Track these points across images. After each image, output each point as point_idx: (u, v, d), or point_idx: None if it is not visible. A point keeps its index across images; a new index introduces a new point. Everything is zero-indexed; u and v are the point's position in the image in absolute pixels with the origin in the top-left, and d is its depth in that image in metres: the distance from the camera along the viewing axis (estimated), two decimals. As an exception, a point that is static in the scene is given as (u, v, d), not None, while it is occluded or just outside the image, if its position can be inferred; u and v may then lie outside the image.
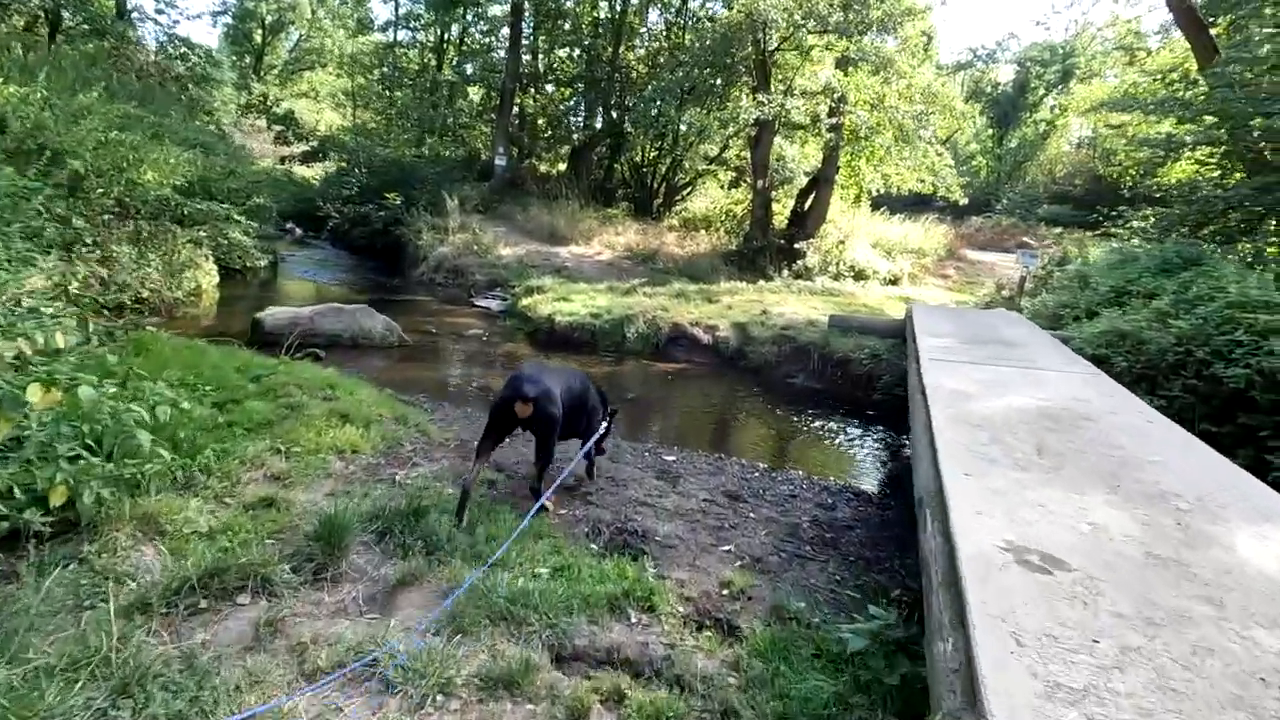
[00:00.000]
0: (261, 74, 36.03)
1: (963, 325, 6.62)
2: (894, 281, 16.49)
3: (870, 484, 5.43)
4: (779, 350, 8.63)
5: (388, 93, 25.60)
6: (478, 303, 11.54)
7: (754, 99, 14.18)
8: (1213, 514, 2.29)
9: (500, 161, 21.64)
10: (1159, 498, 2.39)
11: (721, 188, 22.77)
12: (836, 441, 6.53)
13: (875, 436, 6.76)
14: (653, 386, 7.74)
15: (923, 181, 16.98)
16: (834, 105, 14.93)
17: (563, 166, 24.78)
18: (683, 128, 14.12)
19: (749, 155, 17.19)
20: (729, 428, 6.71)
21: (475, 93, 23.39)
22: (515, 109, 24.33)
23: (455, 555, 2.67)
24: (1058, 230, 25.18)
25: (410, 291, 13.07)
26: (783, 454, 6.08)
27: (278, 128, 18.71)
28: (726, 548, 3.48)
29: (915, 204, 24.38)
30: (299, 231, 23.67)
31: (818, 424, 6.92)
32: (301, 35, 39.10)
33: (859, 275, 15.78)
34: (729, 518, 3.95)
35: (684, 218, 20.61)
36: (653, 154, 21.90)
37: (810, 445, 6.40)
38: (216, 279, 10.55)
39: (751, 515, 4.05)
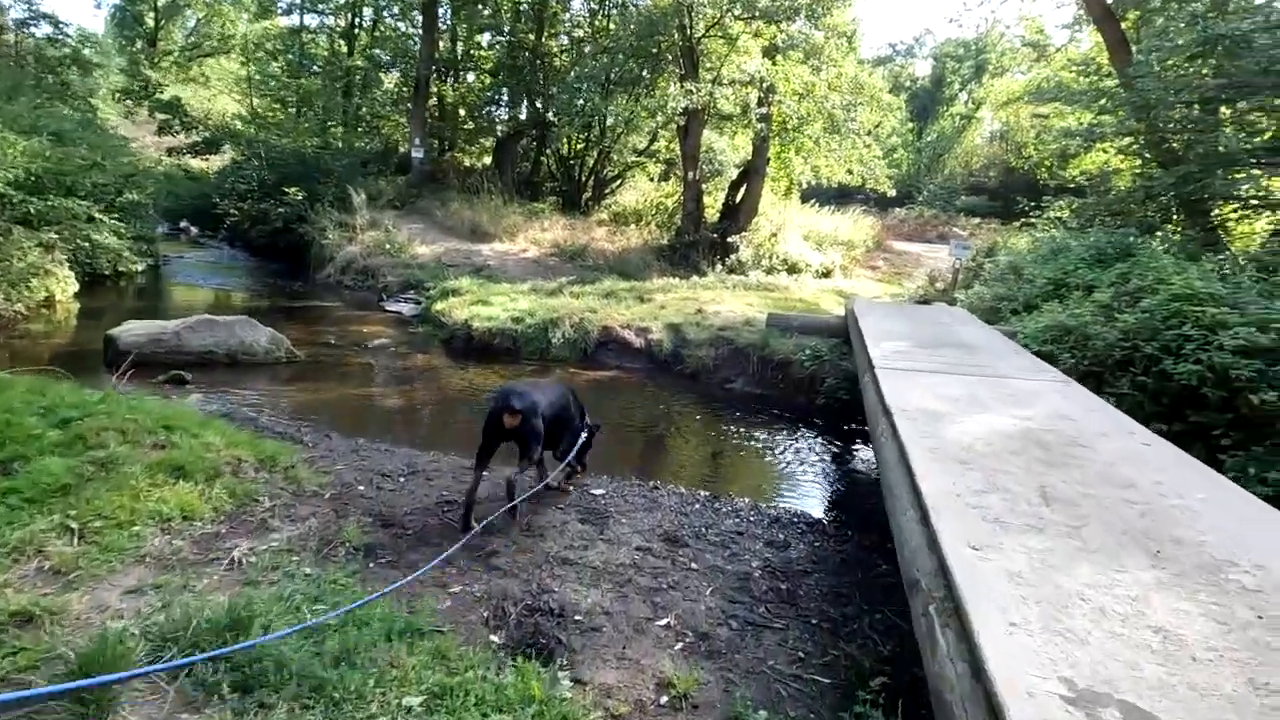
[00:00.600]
0: (155, 60, 33.00)
1: (912, 325, 6.18)
2: (826, 274, 16.30)
3: (821, 507, 4.89)
4: (716, 353, 8.05)
5: (293, 80, 23.73)
6: (389, 307, 10.51)
7: (682, 88, 13.59)
8: (1284, 589, 1.77)
9: (417, 154, 20.36)
10: (1213, 569, 1.86)
11: (652, 180, 22.17)
12: (781, 454, 5.99)
13: (821, 445, 6.26)
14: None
15: (851, 173, 16.84)
16: (763, 95, 14.52)
17: (488, 160, 23.66)
18: (609, 119, 13.40)
19: (679, 146, 16.64)
20: (664, 445, 6.07)
21: (390, 81, 21.93)
22: (434, 98, 23.03)
23: (282, 699, 1.88)
24: (976, 221, 25.83)
25: (315, 296, 11.86)
26: (725, 475, 5.47)
27: (161, 116, 16.87)
28: (664, 621, 2.81)
29: (841, 196, 24.48)
30: (194, 231, 21.72)
31: (760, 434, 6.37)
32: (199, 19, 36.07)
33: (792, 269, 15.48)
34: (667, 572, 3.29)
35: (614, 212, 19.90)
36: (580, 146, 21.08)
37: (754, 461, 5.83)
38: (74, 287, 9.16)
39: (694, 565, 3.40)
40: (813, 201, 20.21)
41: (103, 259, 10.40)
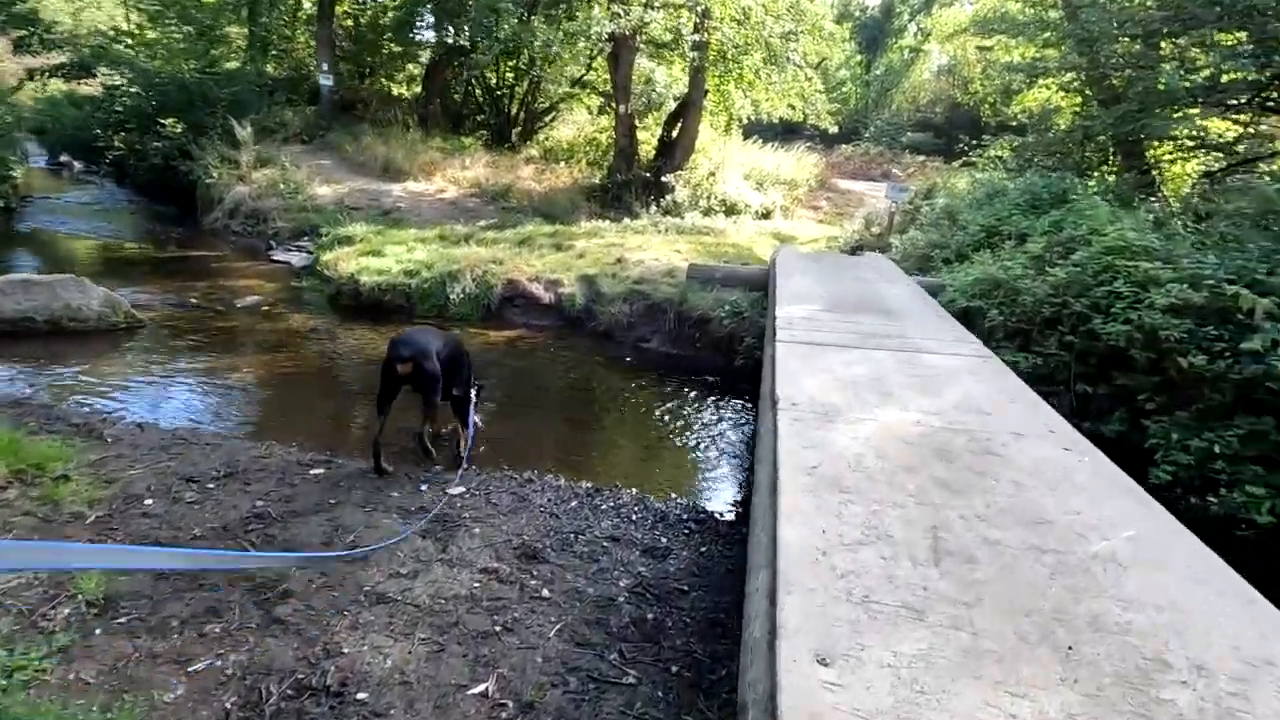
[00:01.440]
0: None
1: (833, 281, 5.62)
2: (766, 215, 15.70)
3: (720, 495, 4.39)
4: (631, 309, 7.40)
5: None
6: (276, 257, 9.44)
7: (607, 9, 12.40)
8: None
9: (325, 81, 18.57)
10: (1139, 678, 1.36)
11: (590, 113, 20.87)
12: (690, 425, 5.46)
13: (734, 413, 5.75)
14: (475, 364, 6.31)
15: (793, 108, 16.01)
16: (698, 20, 13.43)
17: (418, 89, 21.91)
18: (534, 44, 12.16)
19: (610, 77, 15.48)
20: (559, 418, 5.44)
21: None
22: (349, 19, 21.03)
23: None
24: (921, 158, 25.43)
25: (198, 244, 10.62)
26: (620, 456, 4.91)
27: (17, 33, 14.69)
28: (481, 688, 2.25)
29: (786, 133, 23.63)
30: (78, 166, 19.64)
31: (671, 403, 5.82)
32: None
33: (730, 210, 14.81)
34: (510, 605, 2.72)
35: (545, 148, 18.70)
36: (510, 76, 19.55)
37: (657, 436, 5.28)
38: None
39: (546, 592, 2.85)
40: (755, 138, 19.34)
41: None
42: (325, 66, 18.55)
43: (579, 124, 20.17)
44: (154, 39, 15.16)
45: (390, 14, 19.97)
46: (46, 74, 15.44)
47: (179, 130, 12.77)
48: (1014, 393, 3.16)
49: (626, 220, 13.16)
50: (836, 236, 12.69)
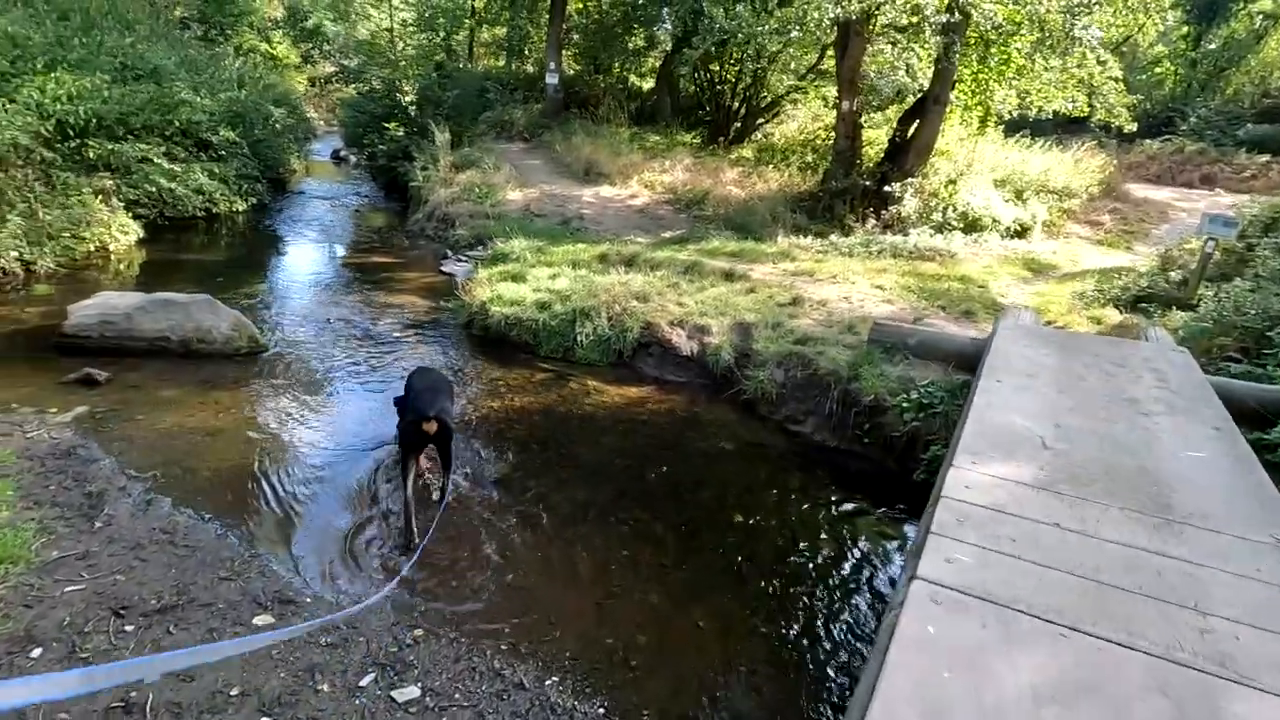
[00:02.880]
0: None
1: (1074, 403, 3.55)
2: (1021, 233, 12.66)
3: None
4: (785, 376, 5.79)
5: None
6: (445, 268, 9.30)
7: (832, -10, 10.47)
8: None
9: (551, 79, 18.90)
10: None
11: (826, 104, 18.81)
12: (814, 576, 3.84)
13: (886, 562, 4.00)
14: (571, 430, 5.25)
15: (1074, 102, 12.57)
16: (951, -2, 10.89)
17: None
18: (737, 34, 10.70)
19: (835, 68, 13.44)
20: (638, 530, 4.12)
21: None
22: (580, 13, 21.25)
23: None
24: (1264, 158, 19.27)
25: (395, 248, 10.99)
26: (693, 625, 3.47)
27: (304, 46, 16.94)
28: None
29: (1066, 126, 19.27)
30: (352, 160, 22.35)
31: (799, 529, 4.22)
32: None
33: (971, 225, 12.11)
34: None
35: (760, 148, 17.18)
36: (734, 68, 18.27)
37: (759, 586, 3.73)
38: (136, 235, 8.93)
39: None
40: (1023, 134, 15.84)
41: (188, 202, 10.24)
42: (553, 65, 18.85)
43: (804, 121, 18.27)
44: (395, 46, 16.42)
45: (620, 8, 19.72)
46: (325, 81, 17.66)
47: (401, 132, 13.49)
48: None
49: (834, 237, 11.30)
50: (1118, 271, 9.53)
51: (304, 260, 9.66)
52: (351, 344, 6.47)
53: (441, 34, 15.84)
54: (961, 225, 12.09)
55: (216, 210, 11.02)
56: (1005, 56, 12.27)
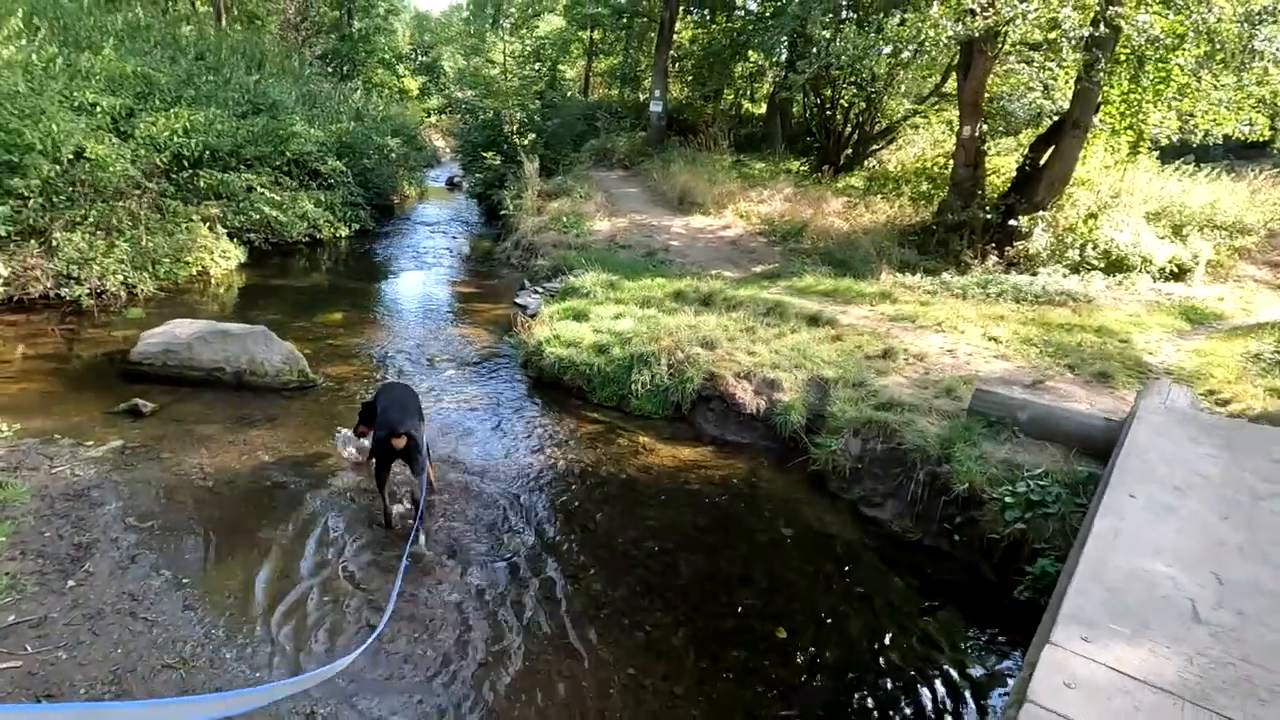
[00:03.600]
0: (499, 26, 35.62)
1: (1244, 545, 2.56)
2: (1178, 275, 10.93)
3: None
4: (863, 447, 4.94)
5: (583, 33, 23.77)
6: (519, 300, 9.06)
7: (954, 7, 9.43)
8: None
9: (655, 107, 18.73)
10: None
11: (950, 129, 17.44)
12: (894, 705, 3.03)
13: (993, 697, 3.11)
14: (608, 499, 4.67)
15: (1251, 125, 10.68)
16: (1099, 7, 9.52)
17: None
18: (845, 56, 9.84)
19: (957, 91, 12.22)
20: (657, 649, 3.44)
21: (636, 26, 20.42)
22: (689, 39, 21.02)
23: None
24: None
25: (479, 277, 10.98)
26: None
27: (420, 78, 17.78)
28: None
29: (1241, 151, 16.71)
30: (465, 185, 23.25)
31: (866, 655, 3.40)
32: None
33: (1115, 265, 10.58)
34: None
35: (871, 177, 16.11)
36: (846, 91, 17.31)
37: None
38: (238, 260, 9.35)
39: None
40: (1184, 161, 13.81)
41: (293, 228, 10.70)
42: (658, 93, 18.68)
43: (924, 148, 16.99)
44: (503, 78, 16.81)
45: (728, 33, 19.30)
46: (440, 111, 18.45)
47: (498, 160, 13.64)
48: None
49: (946, 275, 10.15)
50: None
51: (387, 287, 9.77)
52: (413, 379, 6.25)
53: (547, 65, 16.03)
54: (1102, 265, 10.58)
55: (320, 236, 11.49)
56: (1164, 74, 10.67)
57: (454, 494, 4.51)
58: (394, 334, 7.61)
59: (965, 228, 11.54)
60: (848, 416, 5.11)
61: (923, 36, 9.09)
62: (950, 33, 9.27)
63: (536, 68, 16.19)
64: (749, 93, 24.44)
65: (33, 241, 6.98)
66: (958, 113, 12.30)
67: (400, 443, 3.88)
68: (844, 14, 10.89)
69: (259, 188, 9.39)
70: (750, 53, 17.30)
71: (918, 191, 13.51)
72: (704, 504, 4.71)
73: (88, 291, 7.27)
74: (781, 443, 5.40)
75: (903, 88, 15.93)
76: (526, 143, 15.14)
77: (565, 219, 11.59)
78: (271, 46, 14.77)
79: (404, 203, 18.06)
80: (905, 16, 9.38)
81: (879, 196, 13.82)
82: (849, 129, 17.66)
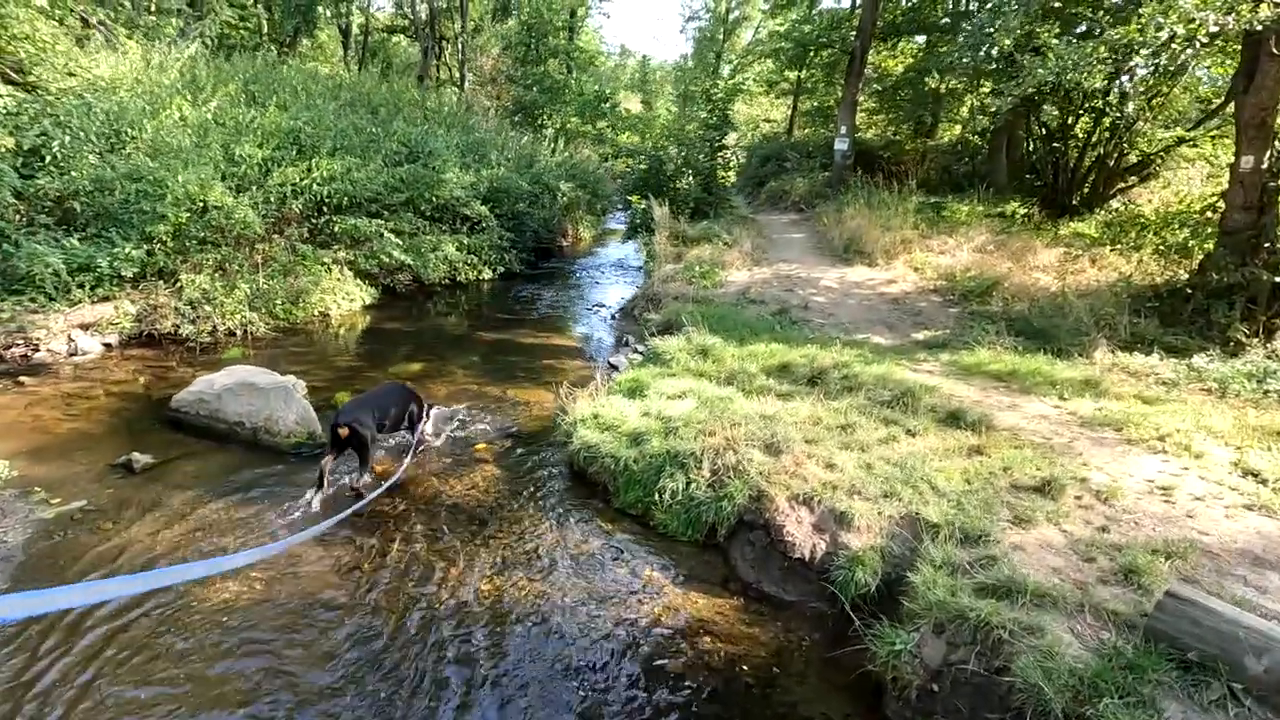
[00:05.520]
0: (717, 71, 36.08)
1: None
2: None
3: None
4: (945, 658, 3.09)
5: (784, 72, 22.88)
6: (612, 359, 8.09)
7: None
8: None
9: (840, 145, 17.00)
10: None
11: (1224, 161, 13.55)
12: None
13: None
14: (579, 675, 3.39)
15: None
16: None
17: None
18: (1041, 70, 7.42)
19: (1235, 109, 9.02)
20: None
21: (826, 57, 18.80)
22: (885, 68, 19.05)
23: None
24: None
25: (605, 325, 10.26)
26: None
27: (600, 124, 17.96)
28: None
29: None
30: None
31: None
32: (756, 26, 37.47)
33: None
34: None
35: (1113, 219, 12.88)
36: (1086, 120, 14.15)
37: None
38: (363, 302, 9.58)
39: None
40: None
41: (432, 271, 10.90)
42: (844, 129, 16.94)
43: (1186, 185, 13.28)
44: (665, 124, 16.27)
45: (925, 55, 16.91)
46: (612, 157, 18.55)
47: (642, 205, 12.98)
48: None
49: (1200, 359, 7.45)
50: None
51: (494, 335, 9.35)
52: (420, 456, 5.53)
53: (718, 106, 15.16)
54: None
55: (460, 278, 11.64)
56: None
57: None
58: (457, 388, 7.03)
59: (1238, 292, 8.43)
60: (933, 597, 3.28)
61: (1161, 39, 6.56)
62: (1214, 25, 6.65)
63: (707, 110, 15.39)
64: (973, 125, 21.48)
65: (161, 282, 7.54)
66: (1234, 137, 9.09)
67: (343, 432, 4.43)
68: (1043, 21, 8.46)
69: (387, 233, 9.60)
70: (940, 75, 14.94)
71: (1172, 241, 10.24)
72: (695, 696, 3.22)
73: (209, 329, 7.71)
74: (840, 610, 3.69)
75: (1159, 112, 12.51)
76: (685, 185, 14.35)
77: (698, 268, 10.46)
78: (452, 98, 15.74)
79: (577, 244, 18.24)
80: (1144, 10, 6.88)
81: (1112, 248, 10.76)
82: (1086, 163, 14.36)
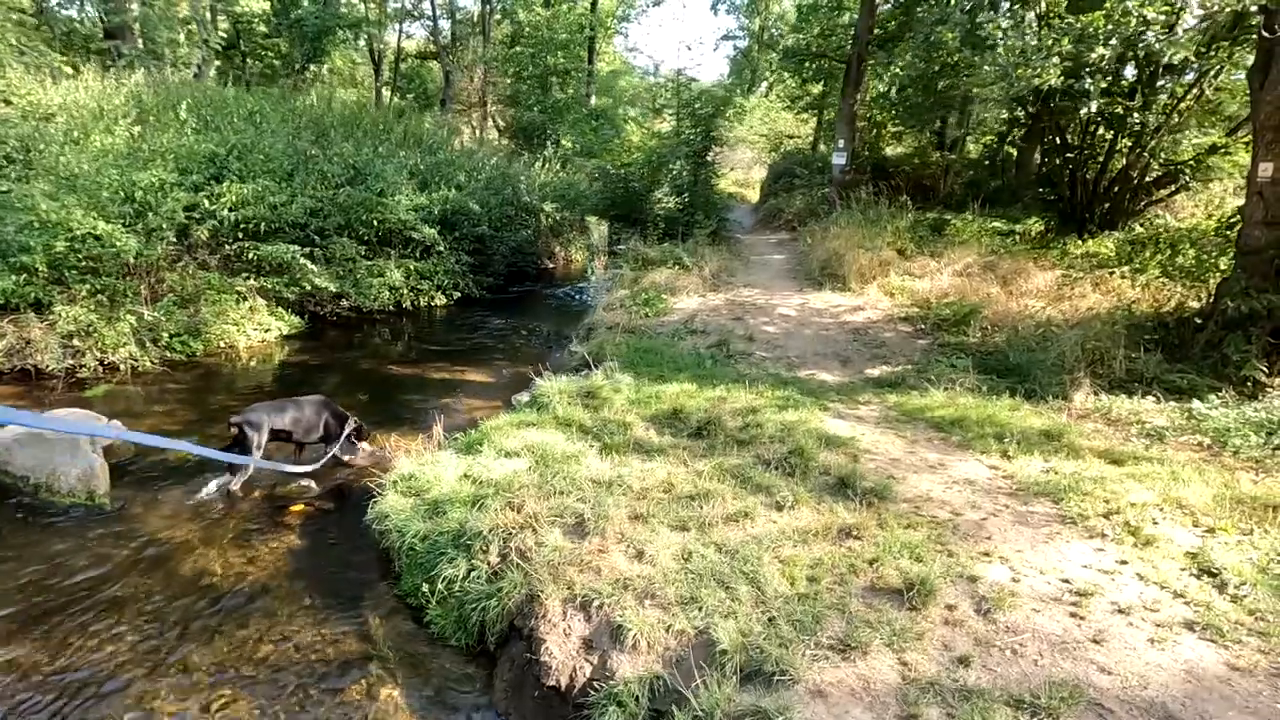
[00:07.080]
0: (753, 91, 35.58)
1: None
2: None
3: None
4: None
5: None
6: (516, 398, 7.26)
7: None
8: None
9: (838, 159, 15.97)
10: None
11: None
12: None
13: None
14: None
15: None
16: None
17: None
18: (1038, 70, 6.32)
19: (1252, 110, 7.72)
20: None
21: (824, 67, 17.77)
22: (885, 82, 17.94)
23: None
24: None
25: (532, 356, 9.43)
26: None
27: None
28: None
29: None
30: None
31: None
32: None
33: None
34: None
35: (1138, 238, 11.53)
36: (1106, 133, 12.79)
37: None
38: (279, 332, 9.03)
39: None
40: None
41: (372, 297, 10.32)
42: (841, 143, 15.92)
43: (1221, 200, 11.84)
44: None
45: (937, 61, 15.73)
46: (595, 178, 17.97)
47: (603, 227, 12.22)
48: None
49: (1200, 404, 6.25)
50: None
51: (401, 371, 8.59)
52: (222, 508, 4.80)
53: (701, 124, 14.30)
54: None
55: (406, 305, 11.05)
56: None
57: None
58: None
59: (1258, 322, 7.17)
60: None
61: (1121, 22, 5.42)
62: (1198, 12, 5.51)
63: (690, 129, 14.56)
64: (1011, 136, 20.01)
65: (32, 314, 7.11)
66: (1252, 146, 7.80)
67: (234, 431, 4.92)
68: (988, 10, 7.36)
69: (303, 260, 9.04)
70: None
71: (1183, 264, 8.89)
72: None
73: (91, 364, 7.24)
74: (591, 768, 2.75)
75: (1191, 117, 11.10)
76: (672, 205, 13.55)
77: (643, 295, 9.58)
78: (432, 121, 15.36)
79: (567, 267, 17.58)
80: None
81: (1120, 270, 9.45)
82: (1106, 177, 12.94)
